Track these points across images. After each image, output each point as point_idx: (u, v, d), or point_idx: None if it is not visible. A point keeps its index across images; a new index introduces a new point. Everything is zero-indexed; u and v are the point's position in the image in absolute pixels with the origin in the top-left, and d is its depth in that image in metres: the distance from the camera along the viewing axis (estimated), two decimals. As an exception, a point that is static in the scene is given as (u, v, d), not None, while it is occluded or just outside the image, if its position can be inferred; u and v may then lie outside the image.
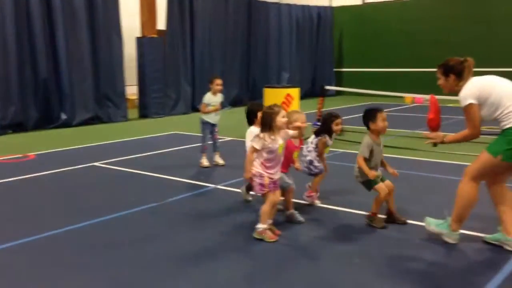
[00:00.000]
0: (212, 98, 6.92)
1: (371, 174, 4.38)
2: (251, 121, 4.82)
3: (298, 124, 4.40)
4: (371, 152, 4.46)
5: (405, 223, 4.53)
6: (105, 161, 7.35)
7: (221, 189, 5.86)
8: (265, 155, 4.13)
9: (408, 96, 15.01)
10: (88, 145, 8.91)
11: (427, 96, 14.64)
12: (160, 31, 13.26)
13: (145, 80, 12.84)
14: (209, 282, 3.43)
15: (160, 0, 13.21)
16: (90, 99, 11.75)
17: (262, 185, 4.15)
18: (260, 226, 4.20)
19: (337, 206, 5.08)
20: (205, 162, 6.93)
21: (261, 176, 4.15)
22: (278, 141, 4.13)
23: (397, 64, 17.87)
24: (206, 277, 3.50)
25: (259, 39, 16.52)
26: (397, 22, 17.79)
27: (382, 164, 4.63)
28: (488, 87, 3.86)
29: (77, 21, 11.34)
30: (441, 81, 4.12)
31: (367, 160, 4.45)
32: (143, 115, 13.04)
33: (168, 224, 4.66)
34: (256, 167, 4.15)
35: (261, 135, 4.10)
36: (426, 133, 4.24)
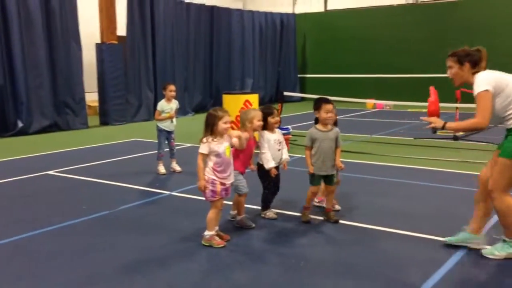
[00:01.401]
0: (166, 105, 6.89)
1: (310, 168, 4.67)
2: (263, 126, 4.72)
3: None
4: (317, 142, 4.64)
5: (336, 222, 4.71)
6: (60, 170, 7.21)
7: (176, 195, 5.82)
8: (213, 158, 4.13)
9: (370, 101, 15.30)
10: (43, 153, 8.72)
11: (388, 102, 14.92)
12: (120, 37, 13.12)
13: (105, 87, 12.68)
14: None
15: (119, 6, 13.07)
16: (48, 106, 11.52)
17: (214, 192, 4.15)
18: (207, 233, 4.20)
19: (286, 210, 5.10)
20: (161, 169, 6.87)
21: (213, 183, 4.14)
22: (223, 143, 4.14)
23: (359, 70, 18.18)
24: (150, 284, 3.47)
25: (222, 45, 16.54)
26: (358, 29, 18.11)
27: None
28: (505, 80, 3.71)
29: (34, 27, 11.11)
30: (454, 70, 3.89)
31: (313, 150, 4.67)
32: (104, 122, 12.85)
33: (117, 232, 4.59)
34: (208, 173, 4.15)
35: (205, 139, 4.10)
36: (426, 118, 4.03)
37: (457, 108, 9.67)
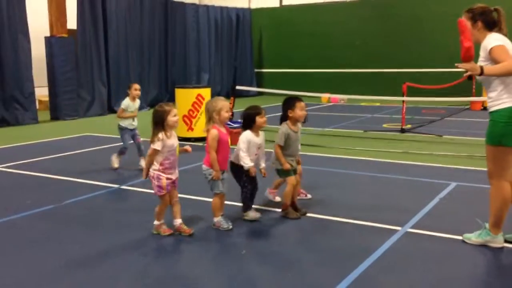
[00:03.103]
0: (131, 104, 6.77)
1: (286, 166, 4.62)
2: (248, 126, 4.51)
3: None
4: (288, 140, 4.65)
5: (305, 214, 4.73)
6: (5, 165, 7.04)
7: (124, 189, 5.80)
8: (166, 155, 4.14)
9: (325, 96, 15.56)
10: (-11, 149, 8.49)
11: (342, 96, 15.19)
12: (70, 31, 12.84)
13: (55, 81, 12.39)
14: (93, 280, 3.41)
15: (70, -2, 12.79)
16: (-5, 101, 11.18)
17: (160, 187, 4.18)
18: (156, 222, 4.27)
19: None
20: (115, 163, 6.73)
21: (159, 177, 4.17)
22: (176, 138, 4.18)
23: (315, 65, 18.43)
24: (91, 277, 3.47)
25: (177, 39, 16.44)
26: (313, 24, 18.34)
27: None
28: (510, 48, 3.62)
29: (-22, 19, 10.76)
30: None
31: (284, 148, 4.64)
32: (55, 117, 12.56)
33: (61, 226, 4.54)
34: (154, 169, 4.17)
35: (159, 136, 4.09)
36: (462, 64, 3.74)
37: (403, 101, 9.98)
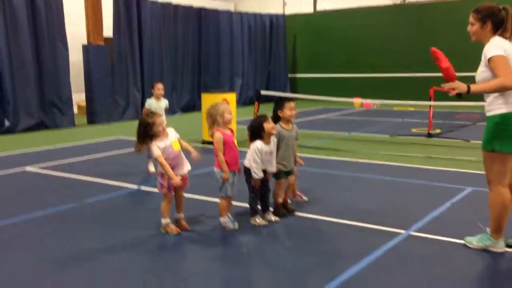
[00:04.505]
0: (154, 103, 6.95)
1: (277, 167, 4.73)
2: (258, 136, 4.54)
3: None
4: (281, 140, 4.76)
5: (293, 211, 4.91)
6: (38, 166, 7.43)
7: (144, 190, 6.03)
8: (165, 156, 4.33)
9: (357, 101, 15.48)
10: (25, 150, 8.94)
11: (375, 101, 15.06)
12: (107, 39, 13.35)
13: (92, 86, 12.91)
14: (100, 275, 3.61)
15: (106, 7, 13.29)
16: (34, 105, 11.75)
17: (162, 185, 4.41)
18: (162, 221, 4.45)
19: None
20: (151, 168, 6.82)
21: (163, 176, 4.37)
22: (169, 139, 4.36)
23: (348, 69, 18.37)
24: (98, 270, 3.68)
25: (211, 46, 16.76)
26: (347, 29, 18.31)
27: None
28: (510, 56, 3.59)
29: (19, 28, 11.34)
30: (475, 27, 3.76)
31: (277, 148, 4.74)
32: (91, 121, 13.08)
33: (79, 223, 4.80)
34: (158, 168, 4.39)
35: (153, 142, 4.30)
36: (447, 85, 3.82)
37: (430, 106, 9.85)
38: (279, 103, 4.93)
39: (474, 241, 3.94)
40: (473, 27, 3.78)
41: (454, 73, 3.85)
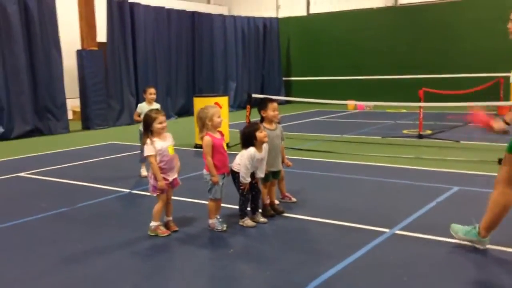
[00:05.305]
0: (146, 108, 7.00)
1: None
2: (250, 143, 4.60)
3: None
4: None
5: (282, 212, 5.00)
6: (31, 171, 7.50)
7: (134, 193, 6.11)
8: (159, 158, 4.41)
9: (351, 103, 15.58)
10: (19, 156, 9.00)
11: (368, 103, 15.14)
12: (100, 43, 13.43)
13: (86, 92, 12.99)
14: (86, 274, 3.68)
15: (99, 12, 13.38)
16: (29, 111, 11.82)
17: (155, 187, 4.46)
18: (152, 223, 4.50)
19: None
20: (143, 172, 6.87)
21: (155, 178, 4.45)
22: (166, 142, 4.44)
23: (342, 72, 18.49)
24: (85, 272, 3.75)
25: (204, 50, 16.86)
26: (340, 32, 18.46)
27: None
28: None
29: (13, 34, 11.42)
30: None
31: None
32: (86, 126, 13.15)
33: (70, 226, 4.87)
34: (150, 171, 4.46)
35: (149, 141, 4.39)
36: (489, 130, 3.82)
37: (420, 107, 9.95)
38: (262, 103, 5.04)
39: (460, 233, 4.00)
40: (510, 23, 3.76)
41: (487, 118, 3.81)
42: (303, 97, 14.48)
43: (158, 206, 4.50)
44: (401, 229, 4.44)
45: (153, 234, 4.48)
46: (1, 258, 4.09)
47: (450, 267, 3.70)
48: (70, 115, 13.70)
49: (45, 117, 12.24)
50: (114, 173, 7.28)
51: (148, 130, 4.40)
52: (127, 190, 6.22)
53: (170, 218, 4.63)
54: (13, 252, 4.23)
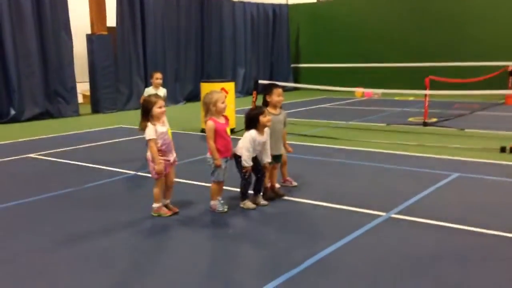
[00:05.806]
0: (152, 92, 7.15)
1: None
2: (253, 126, 4.73)
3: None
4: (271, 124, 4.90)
5: (282, 195, 5.13)
6: (40, 153, 7.69)
7: (140, 175, 6.26)
8: (160, 141, 4.54)
9: (358, 90, 15.60)
10: (29, 138, 9.21)
11: (376, 90, 15.12)
12: (110, 28, 13.56)
13: (96, 76, 13.14)
14: (92, 253, 3.85)
15: (109, -3, 13.49)
16: (40, 95, 12.01)
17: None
18: (155, 205, 4.65)
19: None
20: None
21: (154, 161, 4.58)
22: (165, 126, 4.56)
23: (351, 59, 18.45)
24: (89, 249, 3.91)
25: (213, 35, 16.92)
26: (349, 18, 18.39)
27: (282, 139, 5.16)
28: None
29: (24, 18, 11.57)
30: None
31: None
32: (95, 110, 13.33)
33: (75, 206, 5.03)
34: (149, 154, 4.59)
35: (149, 124, 4.50)
36: None
37: (426, 95, 9.98)
38: (267, 88, 5.15)
39: None
40: None
41: None
42: (311, 84, 14.54)
43: (156, 189, 4.63)
44: (397, 213, 4.56)
45: (156, 215, 4.63)
46: (8, 234, 4.27)
47: (443, 249, 3.81)
48: (80, 99, 13.87)
49: (56, 100, 12.44)
50: (122, 156, 7.44)
51: (148, 114, 4.50)
52: (133, 172, 6.38)
53: (168, 201, 4.75)
54: (20, 229, 4.41)
